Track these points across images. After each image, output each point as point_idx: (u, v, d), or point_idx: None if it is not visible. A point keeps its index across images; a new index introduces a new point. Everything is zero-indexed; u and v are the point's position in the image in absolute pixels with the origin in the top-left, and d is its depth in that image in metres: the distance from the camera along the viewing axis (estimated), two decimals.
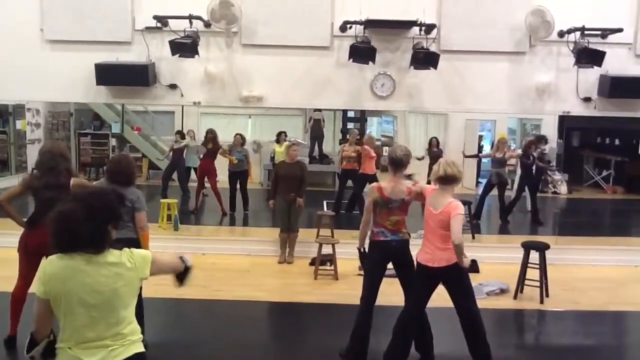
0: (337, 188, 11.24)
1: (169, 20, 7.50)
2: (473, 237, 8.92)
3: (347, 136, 11.40)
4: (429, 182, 10.86)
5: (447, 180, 4.49)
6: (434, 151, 11.60)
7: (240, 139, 10.80)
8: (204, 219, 11.14)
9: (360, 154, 10.34)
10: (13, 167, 13.48)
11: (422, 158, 11.55)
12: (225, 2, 7.21)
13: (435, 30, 7.59)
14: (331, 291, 6.83)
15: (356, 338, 4.86)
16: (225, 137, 13.67)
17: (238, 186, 10.67)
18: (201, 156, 11.33)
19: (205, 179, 10.92)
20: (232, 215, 10.78)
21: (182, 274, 2.94)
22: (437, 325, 4.99)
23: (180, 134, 11.81)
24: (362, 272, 7.36)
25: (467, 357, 4.63)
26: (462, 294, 4.56)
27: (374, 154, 10.40)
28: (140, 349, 2.70)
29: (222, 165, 10.96)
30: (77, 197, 2.62)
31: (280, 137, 12.02)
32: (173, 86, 7.90)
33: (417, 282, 4.70)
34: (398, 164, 4.75)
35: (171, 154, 11.80)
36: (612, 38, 7.61)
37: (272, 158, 12.06)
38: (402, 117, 14.54)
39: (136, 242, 4.85)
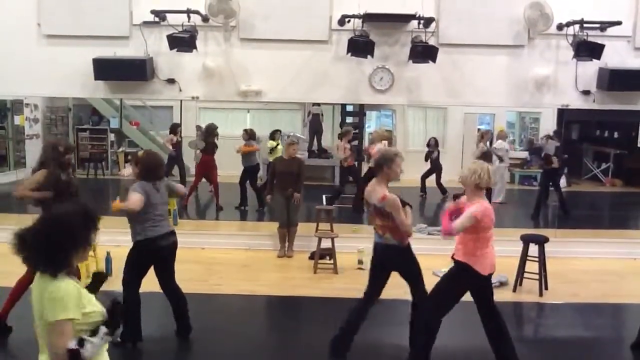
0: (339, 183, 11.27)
1: (167, 15, 7.48)
2: None
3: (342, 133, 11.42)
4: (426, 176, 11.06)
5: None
6: (430, 152, 11.80)
7: (246, 135, 10.81)
8: (203, 213, 11.14)
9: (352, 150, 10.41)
10: (12, 163, 13.47)
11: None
12: None
13: (434, 24, 7.58)
14: (330, 285, 6.84)
15: (352, 331, 4.85)
16: (224, 132, 13.64)
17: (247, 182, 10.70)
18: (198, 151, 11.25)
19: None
20: (244, 210, 10.75)
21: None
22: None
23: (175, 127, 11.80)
24: (362, 267, 7.43)
25: (464, 351, 4.64)
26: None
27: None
28: None
29: (234, 160, 10.94)
30: (40, 219, 2.58)
31: (275, 134, 11.89)
32: (171, 81, 7.89)
33: (461, 288, 4.61)
34: (375, 169, 4.78)
35: (171, 147, 11.75)
36: (611, 31, 7.60)
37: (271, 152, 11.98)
38: (401, 111, 14.52)
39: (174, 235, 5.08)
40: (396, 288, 6.11)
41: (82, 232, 2.54)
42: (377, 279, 4.84)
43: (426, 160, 12.09)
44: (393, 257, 4.76)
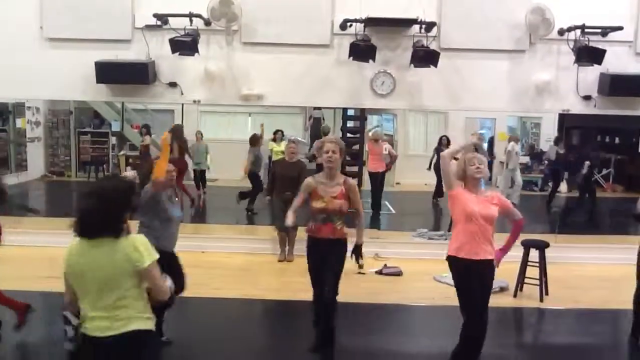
0: None
1: (169, 18, 7.50)
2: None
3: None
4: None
5: None
6: (442, 149, 11.67)
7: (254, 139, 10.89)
8: (203, 217, 11.13)
9: None
10: (13, 166, 13.50)
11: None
12: (226, 0, 7.21)
13: (435, 28, 7.58)
14: None
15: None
16: (226, 136, 13.66)
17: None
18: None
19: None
20: (248, 214, 10.81)
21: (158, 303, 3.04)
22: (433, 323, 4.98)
23: (147, 128, 11.86)
24: (362, 271, 7.42)
25: None
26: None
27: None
28: (141, 326, 2.93)
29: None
30: (94, 190, 2.99)
31: (276, 135, 11.99)
32: (173, 84, 7.90)
33: None
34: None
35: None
36: (612, 36, 7.60)
37: (270, 157, 11.99)
38: (402, 115, 14.56)
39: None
40: (392, 293, 6.14)
41: (132, 199, 3.03)
42: None
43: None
44: None
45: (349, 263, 7.12)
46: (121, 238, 2.88)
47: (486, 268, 4.35)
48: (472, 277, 4.29)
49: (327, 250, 4.95)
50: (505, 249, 4.50)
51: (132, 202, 3.03)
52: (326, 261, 4.94)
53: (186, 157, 10.81)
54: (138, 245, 2.89)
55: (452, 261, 4.37)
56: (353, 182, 5.05)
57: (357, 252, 5.04)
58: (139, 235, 3.00)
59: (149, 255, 2.91)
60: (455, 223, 4.42)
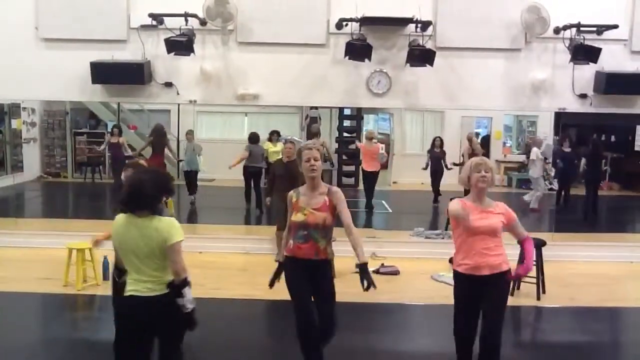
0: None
1: (165, 18, 7.50)
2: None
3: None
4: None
5: None
6: (435, 151, 11.58)
7: (255, 137, 10.98)
8: (201, 217, 11.12)
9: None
10: (9, 167, 13.45)
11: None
12: (221, 0, 7.21)
13: (431, 28, 7.60)
14: None
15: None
16: (222, 136, 13.59)
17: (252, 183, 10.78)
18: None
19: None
20: (248, 210, 10.84)
21: (175, 285, 3.42)
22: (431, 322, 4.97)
23: (118, 129, 11.88)
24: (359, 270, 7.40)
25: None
26: None
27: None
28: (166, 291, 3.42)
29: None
30: (139, 175, 3.55)
31: (272, 136, 11.93)
32: (169, 84, 7.90)
33: None
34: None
35: (107, 148, 11.89)
36: (607, 34, 7.64)
37: (266, 157, 11.95)
38: (398, 114, 14.55)
39: None
40: (389, 292, 6.12)
41: (169, 185, 3.61)
42: None
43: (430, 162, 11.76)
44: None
45: (346, 263, 7.13)
46: (160, 218, 3.39)
47: (490, 283, 4.08)
48: (468, 291, 4.15)
49: (310, 274, 4.38)
50: (525, 268, 4.28)
51: (168, 187, 3.58)
52: (315, 286, 4.42)
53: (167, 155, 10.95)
54: (172, 226, 3.38)
55: (454, 274, 4.28)
56: (338, 190, 4.36)
57: (365, 273, 4.22)
58: (172, 218, 3.49)
59: (179, 234, 3.38)
60: (456, 236, 4.25)
